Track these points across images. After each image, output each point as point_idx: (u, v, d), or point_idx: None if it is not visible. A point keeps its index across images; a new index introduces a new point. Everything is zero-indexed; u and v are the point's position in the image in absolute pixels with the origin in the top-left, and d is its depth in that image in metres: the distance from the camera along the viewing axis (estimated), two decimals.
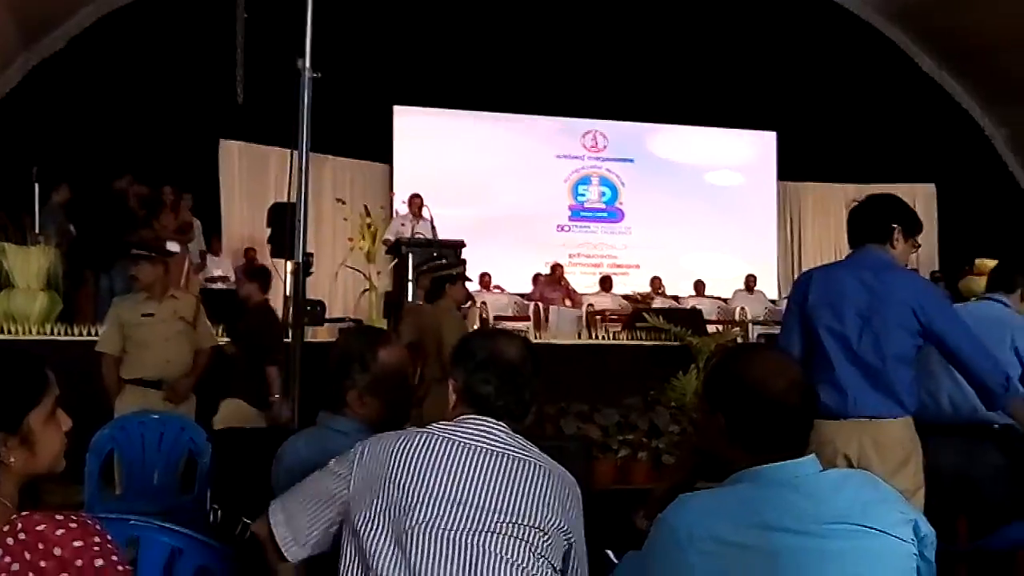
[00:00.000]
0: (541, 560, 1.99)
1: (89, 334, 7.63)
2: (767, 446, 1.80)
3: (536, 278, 13.10)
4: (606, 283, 13.57)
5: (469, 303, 6.40)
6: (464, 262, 6.37)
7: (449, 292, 6.10)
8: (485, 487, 2.00)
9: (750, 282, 13.92)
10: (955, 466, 3.53)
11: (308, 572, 2.19)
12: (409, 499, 1.97)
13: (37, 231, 9.00)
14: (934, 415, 3.70)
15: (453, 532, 1.95)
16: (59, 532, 1.55)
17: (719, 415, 1.85)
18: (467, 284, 6.36)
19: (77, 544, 1.55)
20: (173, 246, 9.73)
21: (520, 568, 1.95)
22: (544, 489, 2.03)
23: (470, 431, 2.08)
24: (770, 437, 1.80)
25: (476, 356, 2.17)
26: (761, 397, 1.81)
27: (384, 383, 2.49)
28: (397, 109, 14.01)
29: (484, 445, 2.06)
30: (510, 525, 1.98)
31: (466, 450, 2.04)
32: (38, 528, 1.55)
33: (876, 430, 3.23)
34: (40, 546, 1.54)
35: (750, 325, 11.82)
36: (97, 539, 1.58)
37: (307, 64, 3.97)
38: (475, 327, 10.58)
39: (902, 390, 3.26)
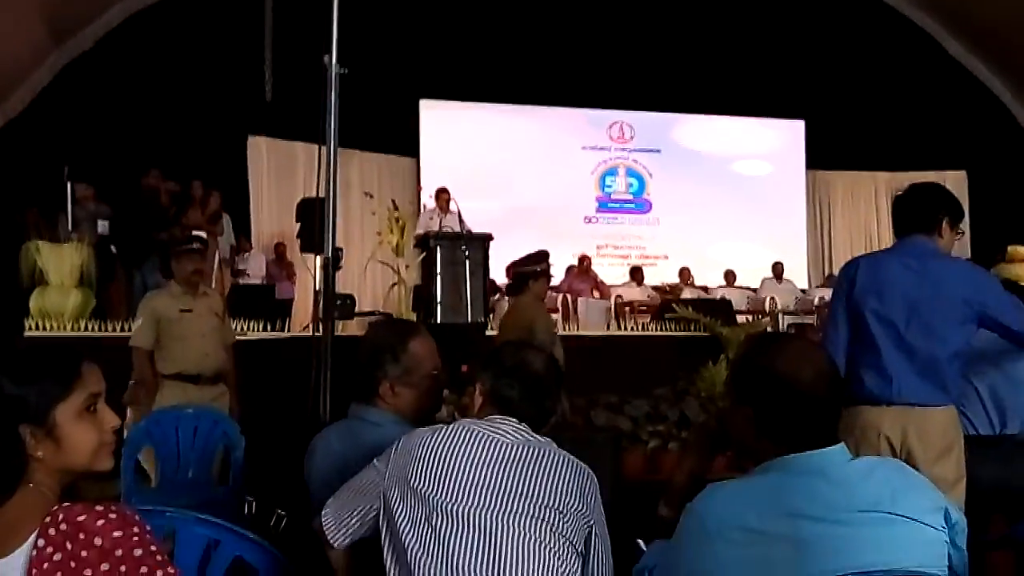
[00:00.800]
0: (563, 540, 2.11)
1: (122, 329, 7.72)
2: (796, 438, 1.80)
3: (568, 270, 13.10)
4: (637, 274, 13.52)
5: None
6: (547, 256, 6.36)
7: (531, 287, 6.10)
8: (509, 472, 2.13)
9: (778, 270, 13.82)
10: (994, 477, 3.50)
11: (354, 555, 2.31)
12: (438, 483, 2.10)
13: (70, 228, 9.11)
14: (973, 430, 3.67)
15: (480, 511, 2.08)
16: (99, 523, 1.58)
17: (747, 407, 1.85)
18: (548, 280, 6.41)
19: (117, 535, 1.58)
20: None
21: (544, 546, 2.07)
22: (564, 475, 2.16)
23: (495, 427, 2.21)
24: (799, 429, 1.80)
25: (504, 363, 2.32)
26: (790, 389, 1.80)
27: (415, 373, 2.55)
28: (423, 103, 14.05)
29: (507, 439, 2.19)
30: (533, 507, 2.10)
31: (491, 441, 2.18)
32: (79, 519, 1.58)
33: (920, 417, 3.23)
34: (81, 536, 1.57)
35: (780, 315, 11.76)
36: (136, 529, 1.60)
37: (334, 60, 3.99)
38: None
39: (949, 379, 3.26)
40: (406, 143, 13.95)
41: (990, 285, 3.36)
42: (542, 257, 6.30)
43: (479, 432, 2.19)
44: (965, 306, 3.24)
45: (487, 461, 2.13)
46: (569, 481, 2.15)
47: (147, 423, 4.87)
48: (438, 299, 8.52)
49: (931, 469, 3.07)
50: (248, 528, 2.36)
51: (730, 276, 13.86)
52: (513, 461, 2.15)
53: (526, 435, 2.21)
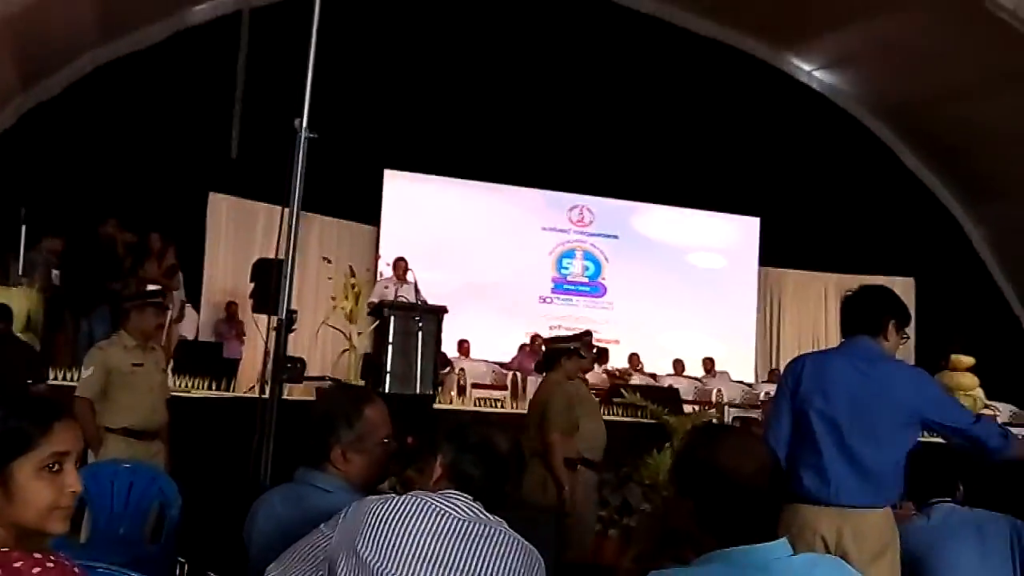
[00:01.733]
0: None
1: (66, 379, 7.58)
2: (736, 532, 1.79)
3: (520, 348, 13.09)
4: (603, 357, 13.44)
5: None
6: (589, 335, 6.25)
7: (563, 364, 5.77)
8: (455, 548, 2.09)
9: (707, 365, 13.98)
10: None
11: None
12: (383, 553, 2.07)
13: (20, 273, 8.98)
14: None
15: None
16: (36, 570, 1.54)
17: (689, 500, 1.85)
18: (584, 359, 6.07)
19: None
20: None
21: None
22: (511, 557, 2.12)
23: (448, 501, 2.18)
24: (739, 523, 1.80)
25: (469, 439, 2.29)
26: (730, 482, 1.80)
27: (368, 440, 2.53)
28: (388, 173, 14.13)
29: (459, 514, 2.15)
30: None
31: (442, 515, 2.14)
32: (15, 565, 1.54)
33: (857, 519, 3.25)
34: None
35: (726, 407, 11.82)
36: None
37: (304, 123, 4.01)
38: (451, 393, 10.57)
39: (888, 483, 3.31)
40: (368, 211, 13.98)
41: (932, 388, 3.44)
42: (581, 336, 6.21)
43: (431, 504, 2.16)
44: (909, 410, 3.30)
45: (434, 534, 2.10)
46: (516, 563, 2.12)
47: (83, 475, 4.75)
48: (388, 368, 8.47)
49: (866, 569, 3.08)
50: None
51: (679, 365, 13.93)
52: (461, 537, 2.11)
53: (478, 512, 2.18)
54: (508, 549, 2.13)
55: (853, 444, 3.27)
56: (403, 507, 2.14)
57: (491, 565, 2.09)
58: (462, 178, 14.33)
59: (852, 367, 3.36)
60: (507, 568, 2.10)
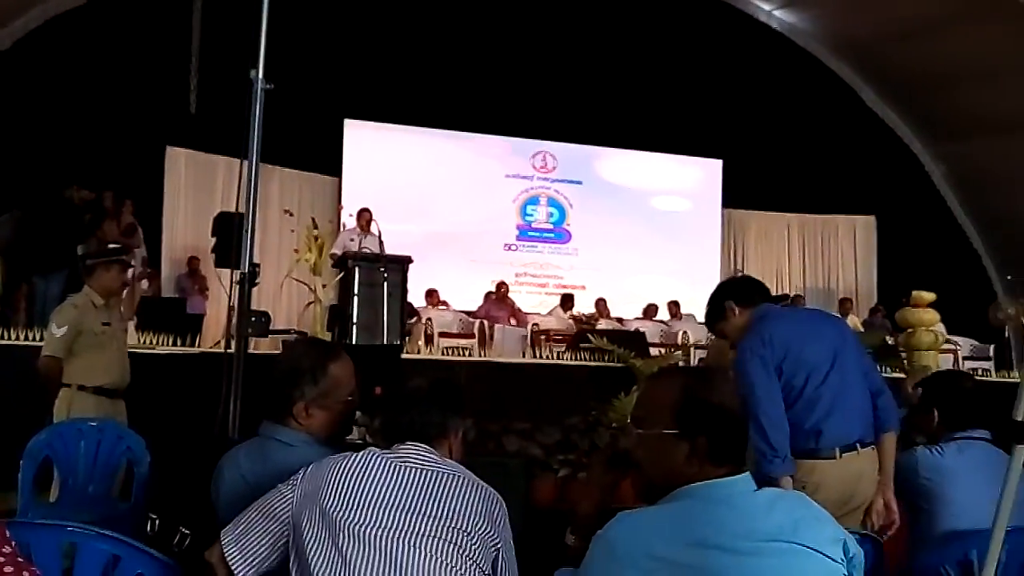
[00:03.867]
0: (470, 562, 2.13)
1: (24, 338, 7.51)
2: (733, 458, 1.89)
3: (486, 296, 13.11)
4: (568, 302, 13.55)
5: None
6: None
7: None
8: (416, 495, 2.16)
9: (673, 309, 14.05)
10: None
11: None
12: (346, 504, 2.12)
13: None
14: None
15: (386, 533, 2.10)
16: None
17: (699, 438, 1.87)
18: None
19: None
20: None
21: (451, 568, 2.10)
22: (471, 498, 2.19)
23: (404, 453, 2.25)
24: (737, 450, 1.91)
25: (390, 393, 2.44)
26: (731, 415, 1.91)
27: (331, 397, 2.53)
28: (348, 123, 14.00)
29: (412, 463, 2.22)
30: (440, 528, 2.12)
31: (399, 465, 2.22)
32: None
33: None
34: None
35: (692, 348, 11.93)
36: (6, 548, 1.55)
37: (260, 75, 3.95)
38: (419, 343, 10.58)
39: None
40: (329, 162, 13.87)
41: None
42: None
43: (385, 458, 2.22)
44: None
45: (394, 484, 2.17)
46: (477, 503, 2.18)
47: (48, 435, 4.73)
48: (354, 320, 8.44)
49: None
50: (151, 546, 2.31)
51: (652, 310, 13.99)
52: (420, 485, 2.18)
53: (435, 461, 2.24)
54: (466, 491, 2.19)
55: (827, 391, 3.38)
56: (363, 462, 2.20)
57: (450, 507, 2.15)
58: (424, 126, 14.23)
59: (795, 322, 3.53)
60: (467, 509, 2.16)
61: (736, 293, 3.75)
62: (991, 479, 3.05)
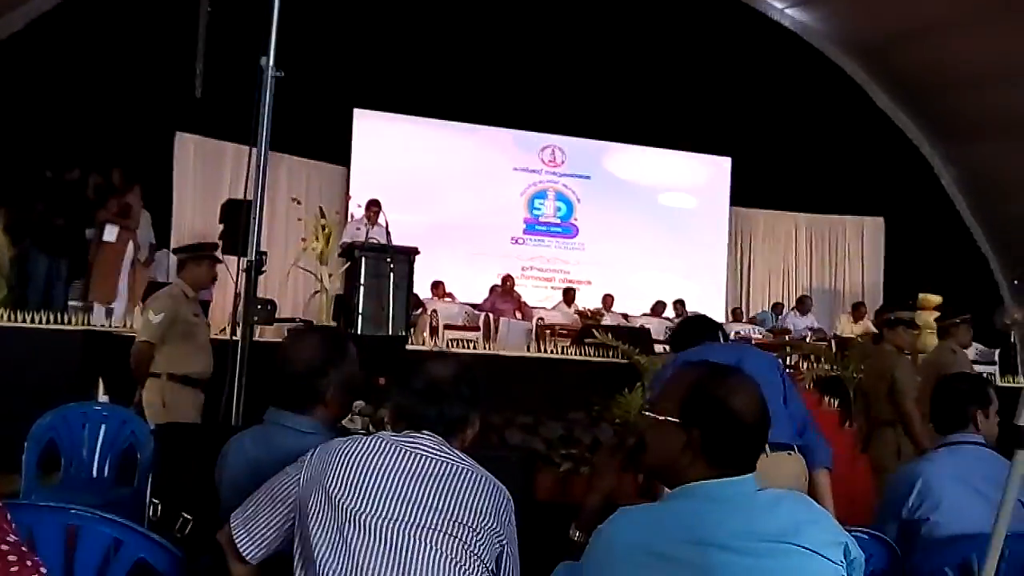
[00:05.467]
0: (474, 558, 2.11)
1: (35, 321, 7.54)
2: (731, 461, 1.87)
3: (492, 290, 13.12)
4: (568, 295, 13.59)
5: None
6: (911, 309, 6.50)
7: (888, 336, 6.09)
8: (424, 486, 2.12)
9: (677, 308, 13.96)
10: None
11: (262, 570, 2.24)
12: (353, 491, 2.09)
13: None
14: None
15: (391, 524, 2.07)
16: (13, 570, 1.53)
17: (694, 430, 1.88)
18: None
19: None
20: (111, 232, 9.56)
21: (454, 563, 2.07)
22: (479, 493, 2.16)
23: (414, 441, 2.20)
24: (737, 453, 1.88)
25: (407, 375, 2.31)
26: (738, 422, 1.88)
27: (351, 383, 2.56)
28: (357, 112, 13.99)
29: (425, 452, 2.18)
30: (446, 523, 2.10)
31: (408, 453, 2.17)
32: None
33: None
34: None
35: None
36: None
37: (271, 62, 3.96)
38: (424, 334, 10.59)
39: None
40: (337, 151, 13.87)
41: None
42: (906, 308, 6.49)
43: (397, 444, 2.18)
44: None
45: (402, 473, 2.13)
46: (485, 499, 2.15)
47: (53, 418, 4.75)
48: (360, 310, 8.48)
49: None
50: (152, 531, 2.32)
51: (660, 307, 13.99)
52: (429, 475, 2.14)
53: (446, 451, 2.20)
54: (476, 486, 2.16)
55: None
56: (371, 447, 2.16)
57: (459, 501, 2.12)
58: (433, 118, 14.22)
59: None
60: (475, 504, 2.13)
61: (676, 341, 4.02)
62: (984, 483, 3.05)
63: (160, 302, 5.48)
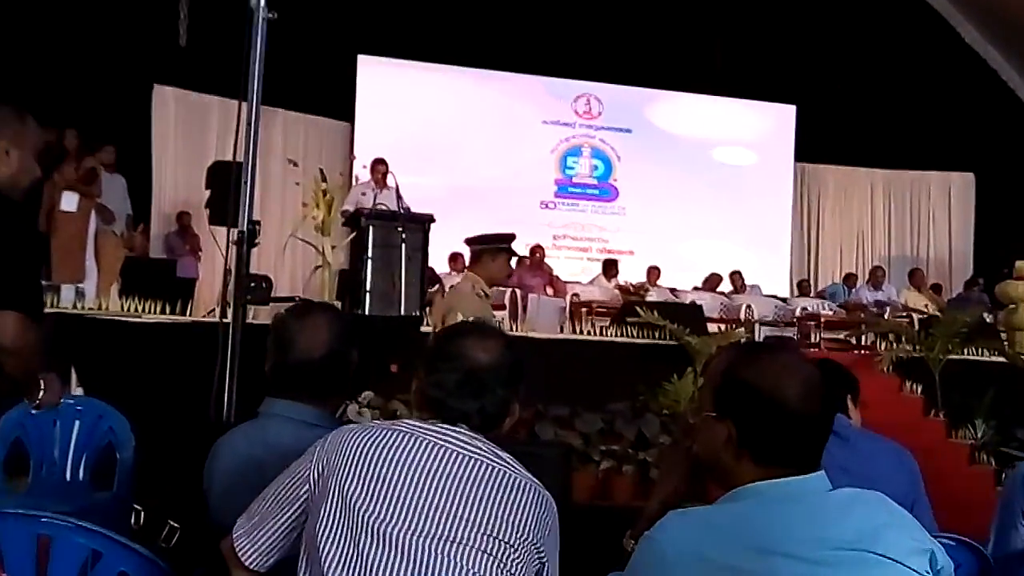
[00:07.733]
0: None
1: None
2: (779, 457, 1.84)
3: (519, 262, 13.10)
4: (610, 269, 13.49)
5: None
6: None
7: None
8: (454, 492, 2.03)
9: (735, 280, 13.92)
10: None
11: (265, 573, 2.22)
12: (370, 494, 2.01)
13: None
14: None
15: (415, 537, 1.99)
16: None
17: (728, 421, 1.88)
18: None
19: None
20: (70, 200, 9.50)
21: None
22: (519, 501, 2.06)
23: (441, 431, 2.10)
24: (783, 447, 1.85)
25: (438, 353, 2.21)
26: (774, 406, 1.84)
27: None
28: (361, 59, 13.99)
29: (454, 447, 2.08)
30: (479, 536, 2.01)
31: (435, 449, 2.07)
32: None
33: None
34: None
35: (757, 325, 11.89)
36: None
37: (262, 3, 3.96)
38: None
39: None
40: (339, 105, 13.88)
41: None
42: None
43: (423, 438, 2.09)
44: None
45: (429, 474, 2.04)
46: (526, 509, 2.06)
47: (19, 414, 4.79)
48: (367, 287, 8.48)
49: None
50: (135, 540, 2.34)
51: (714, 280, 13.93)
52: (460, 478, 2.04)
53: (481, 448, 2.10)
54: (516, 493, 2.06)
55: None
56: (392, 440, 2.07)
57: (495, 511, 2.03)
58: (448, 64, 14.18)
59: None
60: (513, 515, 2.04)
61: None
62: None
63: (468, 303, 5.31)
